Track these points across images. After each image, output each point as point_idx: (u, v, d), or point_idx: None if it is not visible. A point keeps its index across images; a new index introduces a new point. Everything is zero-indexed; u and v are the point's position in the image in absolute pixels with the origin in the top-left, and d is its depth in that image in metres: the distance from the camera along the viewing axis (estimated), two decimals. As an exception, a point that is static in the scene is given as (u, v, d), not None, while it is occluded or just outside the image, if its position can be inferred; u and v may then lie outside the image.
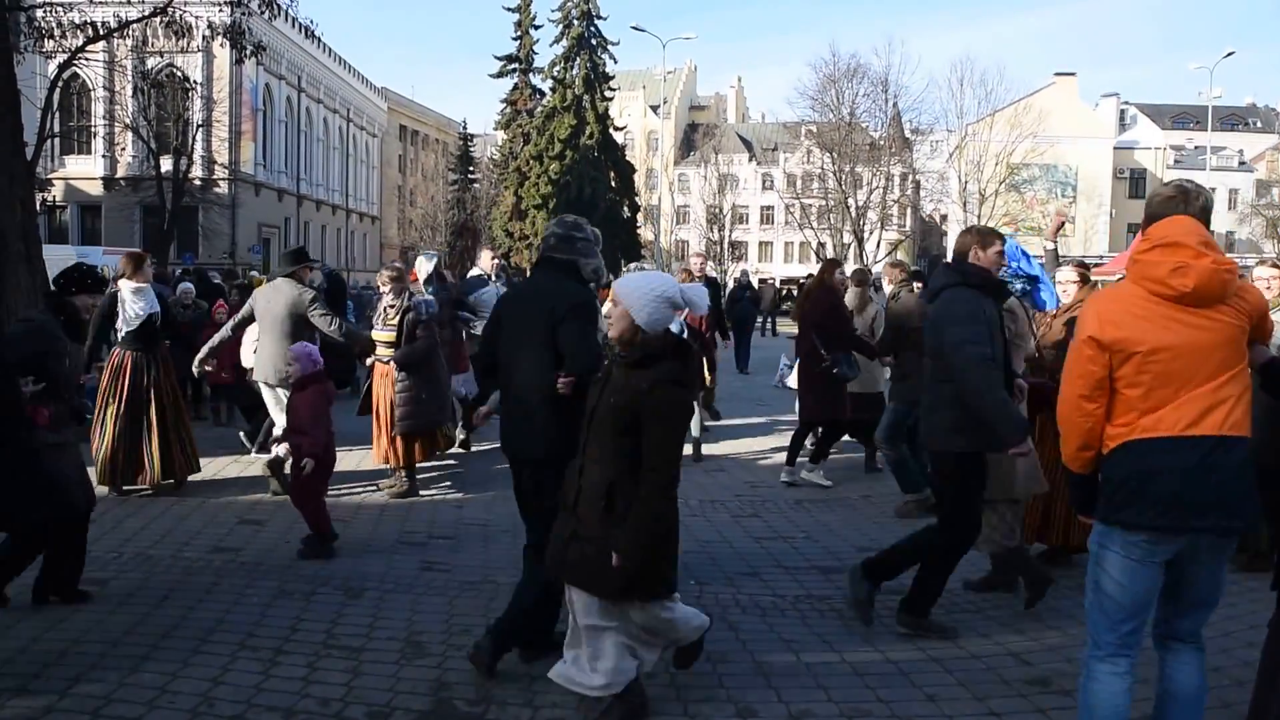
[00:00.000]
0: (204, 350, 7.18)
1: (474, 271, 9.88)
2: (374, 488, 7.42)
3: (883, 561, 4.64)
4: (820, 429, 7.93)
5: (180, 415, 7.26)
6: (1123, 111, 60.91)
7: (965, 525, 4.45)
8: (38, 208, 13.69)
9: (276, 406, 7.09)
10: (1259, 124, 62.67)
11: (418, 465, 7.47)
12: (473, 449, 8.94)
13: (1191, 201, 2.95)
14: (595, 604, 3.47)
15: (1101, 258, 42.84)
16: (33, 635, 4.32)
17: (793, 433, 8.10)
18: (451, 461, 8.47)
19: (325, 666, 4.10)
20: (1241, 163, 59.62)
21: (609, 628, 3.50)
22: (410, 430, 7.20)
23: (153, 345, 7.10)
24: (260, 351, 7.10)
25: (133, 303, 6.96)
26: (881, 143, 45.23)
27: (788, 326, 18.87)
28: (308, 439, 5.72)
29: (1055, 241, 7.03)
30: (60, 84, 14.83)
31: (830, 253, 44.29)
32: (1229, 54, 42.80)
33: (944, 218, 56.50)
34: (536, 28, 52.79)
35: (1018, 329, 5.25)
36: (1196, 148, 55.34)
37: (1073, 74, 57.92)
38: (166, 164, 31.43)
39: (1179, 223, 2.87)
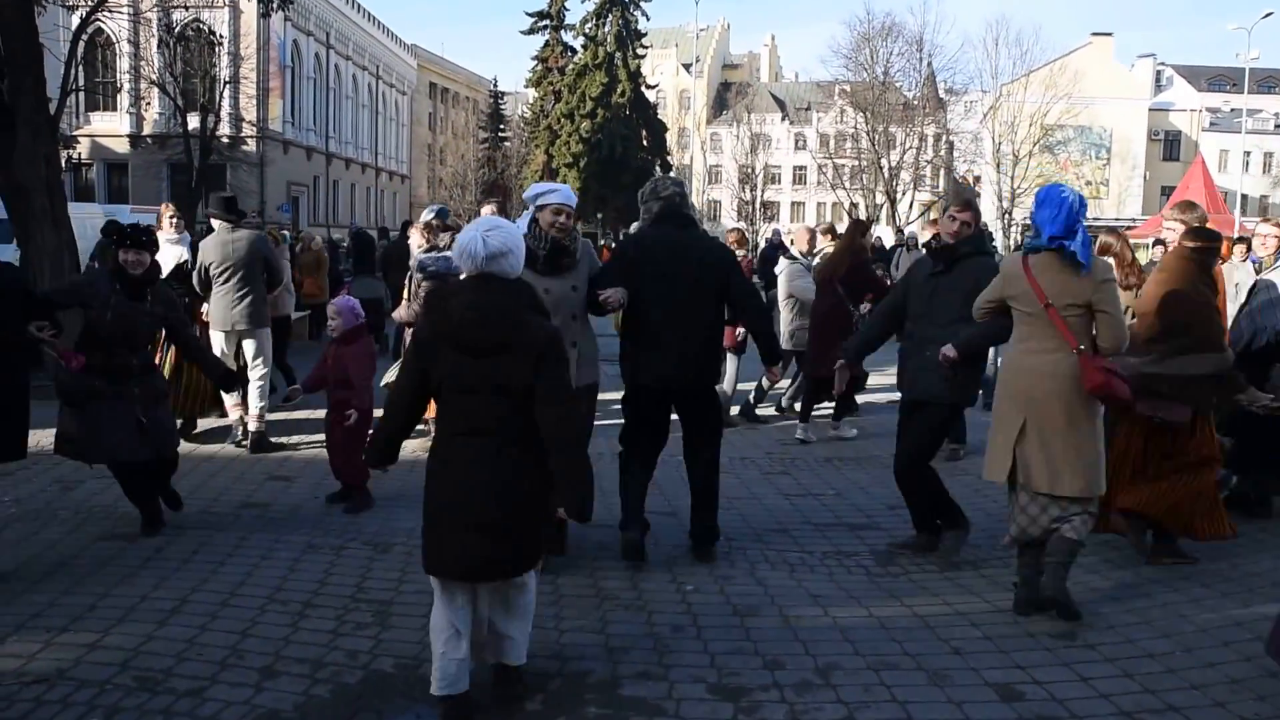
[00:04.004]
0: None
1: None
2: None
3: None
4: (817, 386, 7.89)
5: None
6: (1159, 73, 59.40)
7: None
8: (63, 165, 13.71)
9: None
10: (1296, 86, 60.98)
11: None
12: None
13: None
14: None
15: (1134, 220, 42.09)
16: (63, 588, 4.36)
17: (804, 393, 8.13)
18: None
19: (354, 620, 4.11)
20: (1278, 125, 58.08)
21: None
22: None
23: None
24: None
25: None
26: (915, 103, 44.50)
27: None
28: (356, 393, 5.74)
29: None
30: (84, 38, 14.76)
31: (863, 214, 43.85)
32: (1267, 15, 41.43)
33: (977, 179, 55.59)
34: (567, -16, 52.23)
35: None
36: (1232, 110, 53.90)
37: (1109, 34, 56.54)
38: (193, 121, 31.37)
39: None
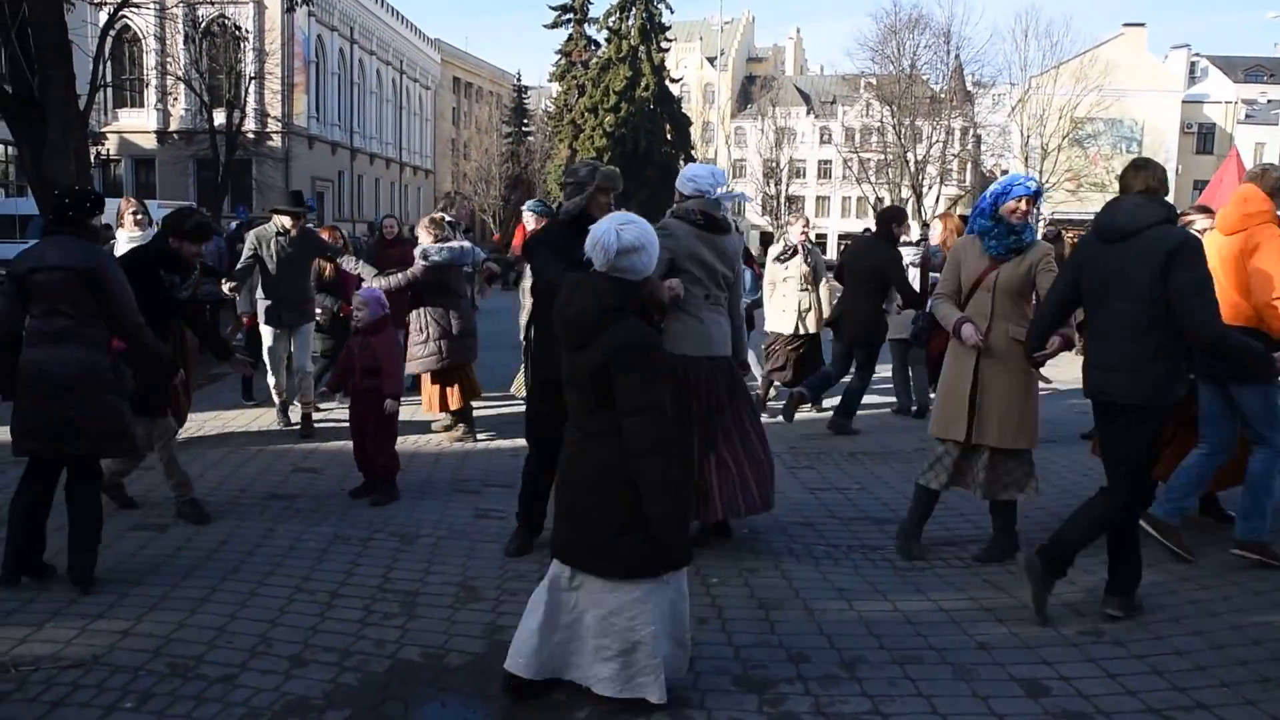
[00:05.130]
0: None
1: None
2: (427, 436, 7.49)
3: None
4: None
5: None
6: (1193, 64, 58.50)
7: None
8: (92, 160, 13.86)
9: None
10: (1336, 77, 59.95)
11: (474, 413, 7.62)
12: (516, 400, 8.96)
13: None
14: None
15: (1168, 214, 41.43)
16: (97, 576, 4.40)
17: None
18: (506, 410, 8.50)
19: (381, 609, 4.15)
20: (1317, 117, 57.18)
21: None
22: (420, 370, 7.23)
23: None
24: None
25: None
26: (942, 96, 44.19)
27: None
28: (391, 381, 5.81)
29: None
30: (111, 34, 14.92)
31: (887, 208, 43.52)
32: (1308, 2, 40.85)
33: (1004, 173, 55.19)
34: (591, -23, 52.22)
35: None
36: (1270, 101, 53.13)
37: (1142, 25, 55.86)
38: (219, 117, 31.68)
39: None
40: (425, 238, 7.32)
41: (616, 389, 3.08)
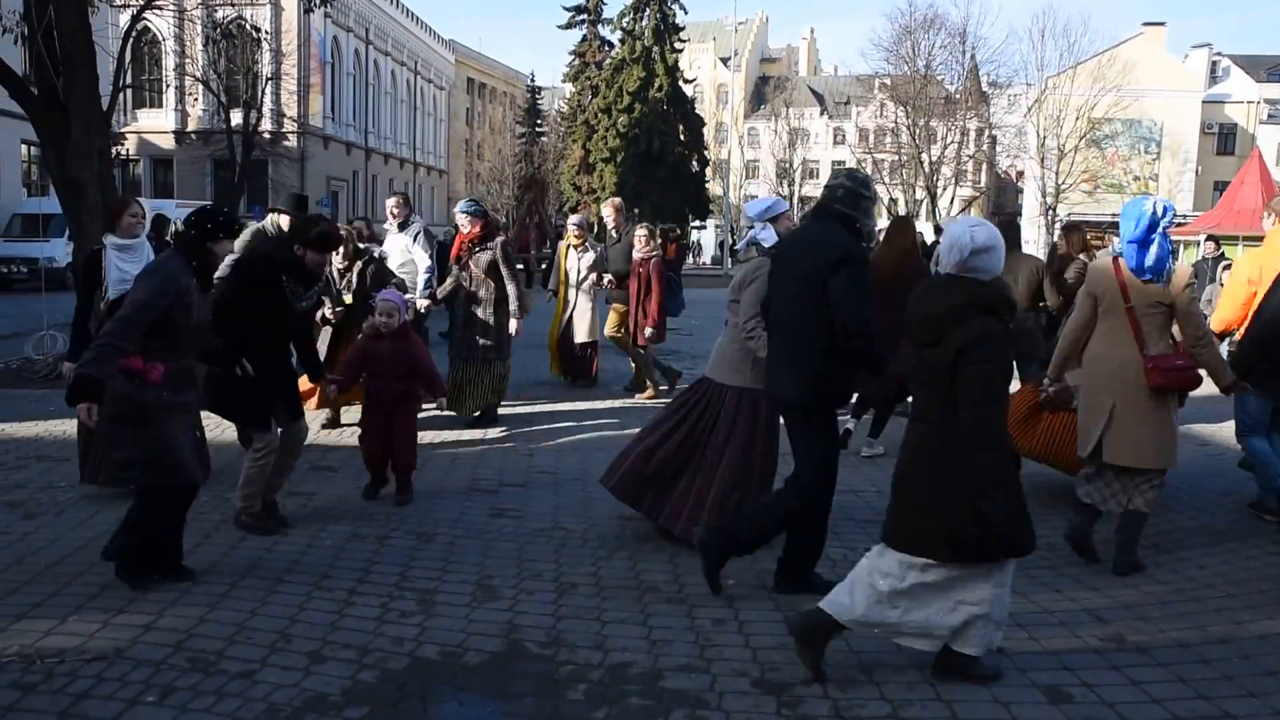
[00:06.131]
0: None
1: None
2: (441, 435, 7.50)
3: None
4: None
5: None
6: (1214, 63, 57.97)
7: None
8: (113, 160, 13.95)
9: None
10: (1361, 76, 59.37)
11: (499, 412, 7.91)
12: (531, 401, 9.00)
13: None
14: None
15: (1185, 217, 41.23)
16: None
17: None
18: (523, 410, 8.51)
19: (398, 607, 4.16)
20: (1343, 117, 56.60)
21: None
22: None
23: None
24: None
25: (119, 263, 5.45)
26: (957, 96, 44.03)
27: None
28: (436, 381, 5.94)
29: None
30: (132, 36, 15.05)
31: (902, 209, 43.47)
32: (1334, 1, 40.47)
33: (1020, 174, 54.93)
34: (605, -22, 52.20)
35: None
36: (1293, 101, 52.75)
37: (1162, 24, 55.34)
38: (236, 117, 31.87)
39: None
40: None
41: (961, 382, 3.26)
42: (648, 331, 8.92)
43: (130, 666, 3.53)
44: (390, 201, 8.76)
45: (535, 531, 5.25)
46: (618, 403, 9.06)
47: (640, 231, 9.24)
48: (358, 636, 3.85)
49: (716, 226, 58.09)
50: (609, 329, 9.51)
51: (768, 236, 4.88)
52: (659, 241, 9.58)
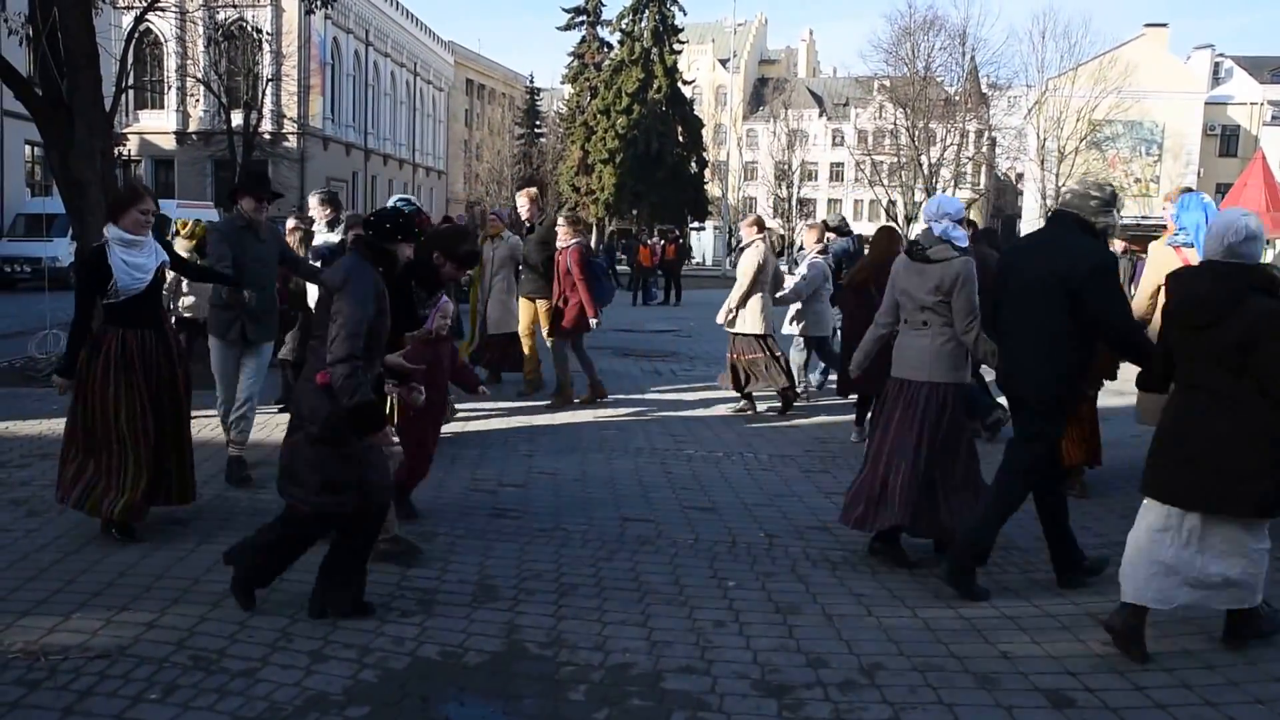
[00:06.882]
0: None
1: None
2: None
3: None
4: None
5: (180, 424, 5.11)
6: (1217, 64, 57.82)
7: None
8: (115, 161, 13.98)
9: None
10: (1364, 78, 59.24)
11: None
12: (540, 400, 9.00)
13: None
14: None
15: (1185, 219, 41.06)
16: (120, 570, 4.46)
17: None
18: (522, 413, 8.52)
19: (399, 607, 4.16)
20: (1347, 119, 56.44)
21: None
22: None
23: (149, 320, 4.99)
24: None
25: (126, 258, 4.82)
26: (957, 98, 44.08)
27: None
28: (475, 379, 5.77)
29: None
30: (134, 38, 15.07)
31: (901, 211, 43.53)
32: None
33: (1020, 176, 54.95)
34: (604, -21, 52.28)
35: None
36: (1297, 103, 52.61)
37: (1164, 25, 55.28)
38: (237, 118, 31.91)
39: None
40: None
41: (1259, 355, 3.51)
42: (593, 322, 8.72)
43: (133, 664, 3.53)
44: (312, 201, 8.30)
45: (536, 532, 5.25)
46: (618, 404, 9.08)
47: (560, 220, 8.98)
48: (358, 635, 3.85)
49: (715, 228, 58.13)
50: (522, 329, 9.33)
51: (960, 236, 4.86)
52: (581, 228, 9.27)
